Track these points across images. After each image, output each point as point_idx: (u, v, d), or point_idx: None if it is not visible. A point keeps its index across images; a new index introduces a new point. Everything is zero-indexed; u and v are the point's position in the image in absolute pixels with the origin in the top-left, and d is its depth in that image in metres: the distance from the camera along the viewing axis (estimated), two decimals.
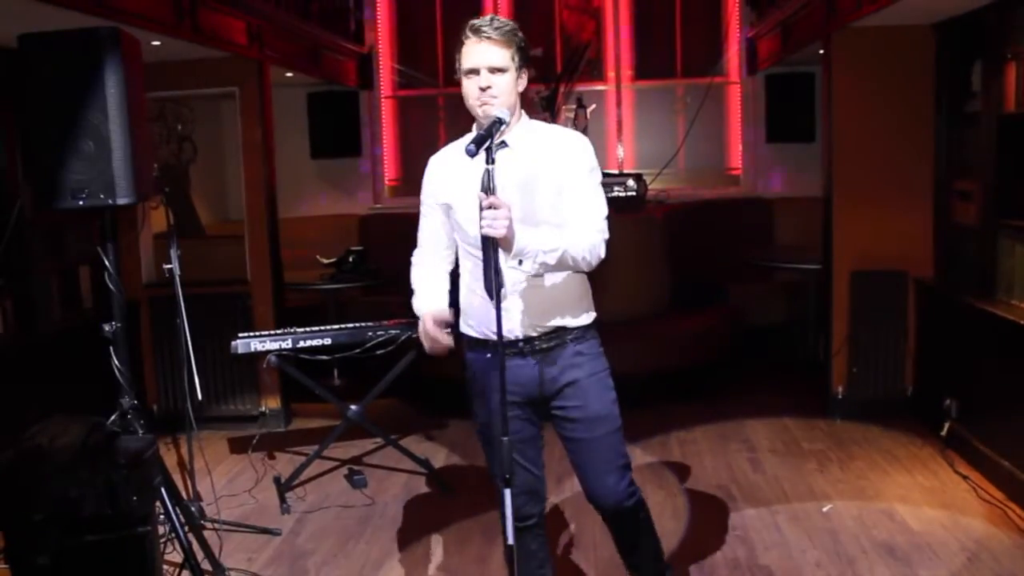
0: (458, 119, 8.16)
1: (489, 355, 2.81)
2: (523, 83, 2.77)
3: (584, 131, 5.91)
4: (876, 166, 5.55)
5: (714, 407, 6.08)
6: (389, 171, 8.37)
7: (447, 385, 6.19)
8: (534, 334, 2.82)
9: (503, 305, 2.62)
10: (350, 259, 6.99)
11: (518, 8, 8.12)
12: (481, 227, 2.50)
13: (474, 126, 2.82)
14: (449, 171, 2.88)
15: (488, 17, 2.73)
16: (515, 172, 2.74)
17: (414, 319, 5.10)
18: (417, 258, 3.10)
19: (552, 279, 2.80)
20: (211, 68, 5.73)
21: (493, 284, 2.53)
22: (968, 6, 4.78)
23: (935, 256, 5.50)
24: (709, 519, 4.35)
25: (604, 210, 2.80)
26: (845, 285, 5.67)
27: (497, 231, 2.49)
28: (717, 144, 8.23)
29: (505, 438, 2.53)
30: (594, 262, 2.75)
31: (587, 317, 2.91)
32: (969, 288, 4.92)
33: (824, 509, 4.39)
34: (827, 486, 4.68)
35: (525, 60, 2.75)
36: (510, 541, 2.57)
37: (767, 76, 7.83)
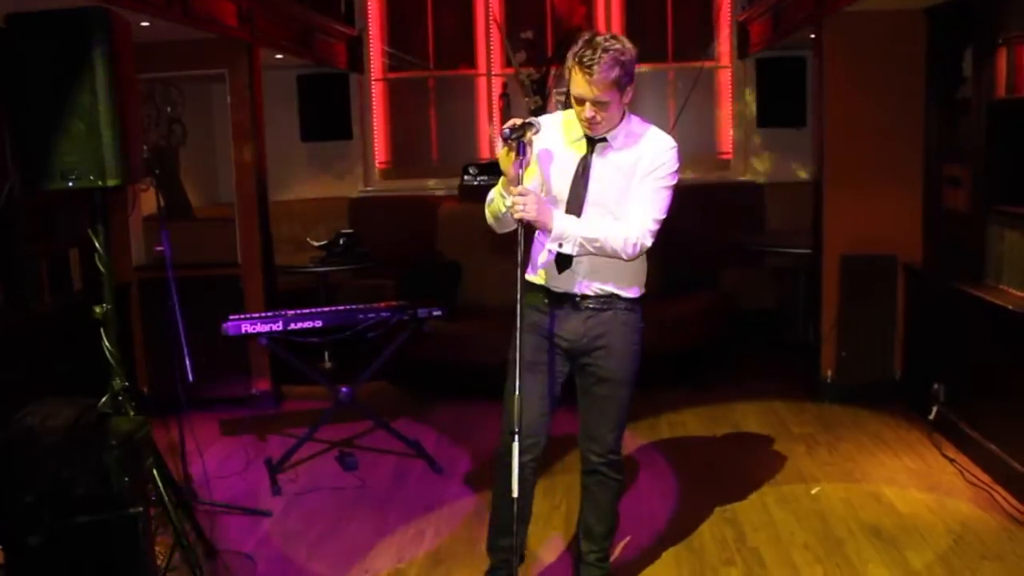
0: (448, 101, 8.24)
1: (546, 300, 3.21)
2: (629, 96, 3.03)
3: None
4: (867, 151, 5.57)
5: (704, 390, 6.11)
6: (379, 154, 8.34)
7: (437, 368, 6.24)
8: (590, 293, 3.17)
9: (568, 270, 3.13)
10: (340, 242, 6.98)
11: None
12: (513, 212, 2.88)
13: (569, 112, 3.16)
14: (550, 139, 3.15)
15: (597, 49, 2.89)
16: (609, 165, 3.10)
17: (404, 302, 5.13)
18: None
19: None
20: (201, 49, 5.70)
21: (521, 256, 2.89)
22: None
23: (924, 241, 5.52)
24: (698, 501, 4.38)
25: (658, 211, 3.09)
26: (835, 269, 5.69)
27: (528, 214, 2.88)
28: (708, 128, 8.23)
29: (516, 394, 2.76)
30: (632, 252, 3.06)
31: (636, 291, 3.24)
32: (958, 273, 4.94)
33: (812, 491, 4.42)
34: (815, 469, 4.71)
35: (629, 79, 2.98)
36: (515, 494, 2.75)
37: (758, 60, 7.82)
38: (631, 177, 3.08)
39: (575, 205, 3.12)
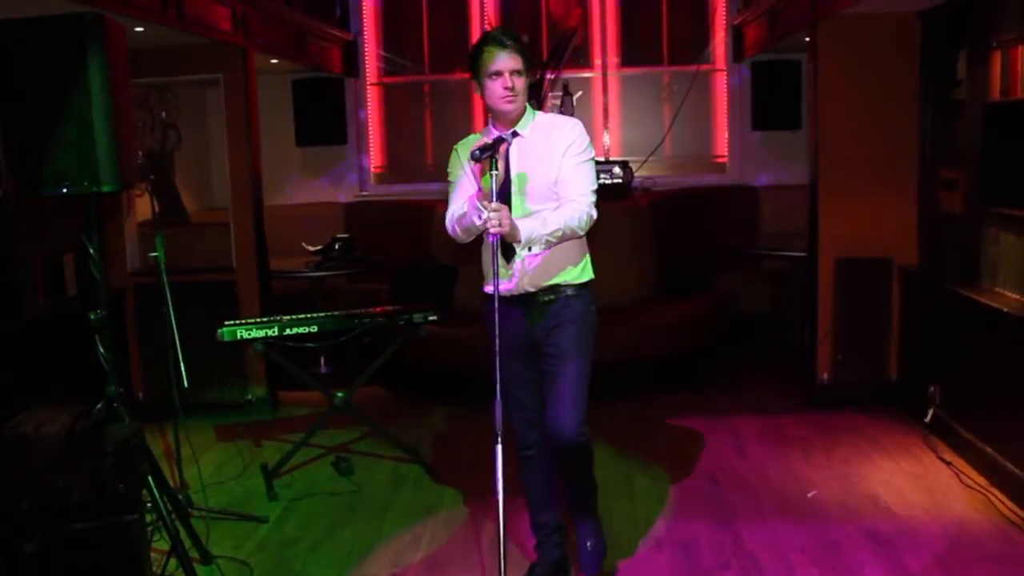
0: (443, 106, 8.23)
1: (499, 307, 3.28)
2: (528, 81, 3.35)
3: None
4: (862, 154, 5.57)
5: (699, 394, 6.12)
6: (375, 158, 8.34)
7: (433, 372, 6.23)
8: (533, 290, 3.37)
9: (514, 270, 3.34)
10: (336, 246, 6.98)
11: None
12: (488, 229, 3.07)
13: (490, 120, 3.41)
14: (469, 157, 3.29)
15: (500, 29, 3.36)
16: (527, 156, 3.32)
17: (400, 307, 5.12)
18: (450, 214, 3.43)
19: (552, 250, 3.32)
20: (195, 54, 5.70)
21: (496, 265, 3.16)
22: None
23: (920, 244, 5.52)
24: (694, 505, 4.37)
25: (592, 182, 3.34)
26: (830, 272, 5.70)
27: (504, 228, 3.06)
28: (703, 132, 8.24)
29: (497, 398, 2.97)
30: (588, 226, 3.29)
31: (582, 277, 3.43)
32: (954, 276, 4.95)
33: (809, 495, 4.42)
34: (811, 472, 4.71)
35: (530, 64, 3.34)
36: (500, 496, 2.91)
37: (753, 64, 7.82)
38: (550, 161, 3.29)
39: (504, 200, 3.28)
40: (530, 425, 3.52)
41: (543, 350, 3.41)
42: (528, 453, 3.57)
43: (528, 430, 3.52)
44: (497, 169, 3.08)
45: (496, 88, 3.25)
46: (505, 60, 3.22)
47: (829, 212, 5.66)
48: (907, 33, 5.41)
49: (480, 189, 3.15)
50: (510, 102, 3.26)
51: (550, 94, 7.35)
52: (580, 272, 3.42)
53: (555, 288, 3.37)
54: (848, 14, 5.28)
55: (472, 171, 3.20)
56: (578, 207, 3.24)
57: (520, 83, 3.26)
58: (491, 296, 3.34)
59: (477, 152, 3.08)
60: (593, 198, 3.30)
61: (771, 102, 7.76)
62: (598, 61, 8.13)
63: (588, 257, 3.47)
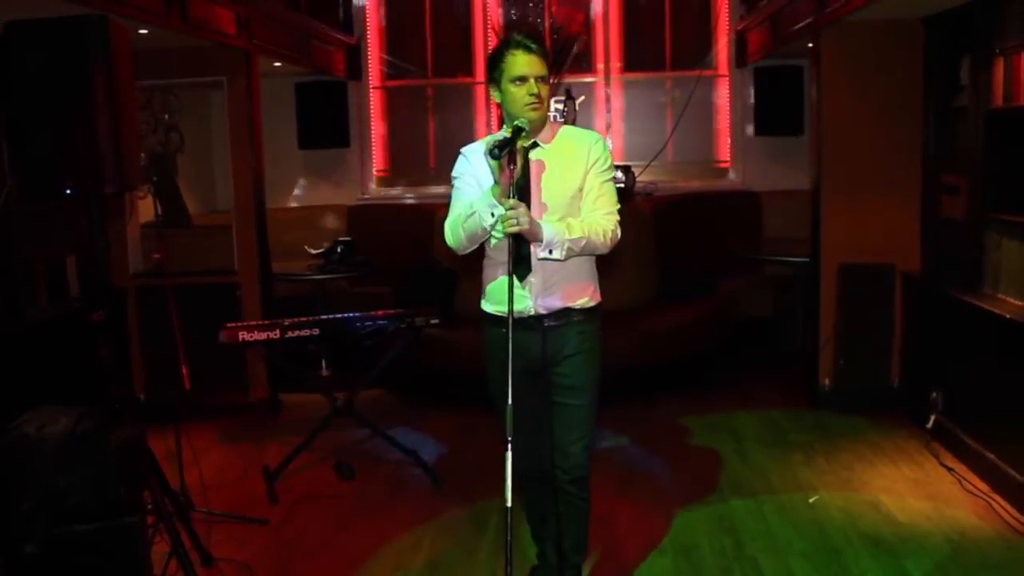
0: (446, 110, 8.24)
1: (504, 330, 3.05)
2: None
3: (572, 123, 5.97)
4: (864, 160, 5.58)
5: (702, 399, 6.11)
6: (377, 162, 8.34)
7: (434, 376, 6.23)
8: (544, 312, 3.22)
9: (526, 289, 3.17)
10: (338, 249, 6.98)
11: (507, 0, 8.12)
12: (505, 227, 2.90)
13: (504, 126, 3.22)
14: (483, 165, 3.18)
15: (525, 33, 3.17)
16: (548, 166, 3.19)
17: (402, 310, 5.12)
18: (452, 217, 3.23)
19: (562, 269, 3.18)
20: (199, 57, 5.71)
21: (511, 266, 2.97)
22: (957, 1, 4.79)
23: (922, 249, 5.52)
24: (696, 509, 4.37)
25: (616, 200, 3.25)
26: (833, 278, 5.70)
27: (523, 225, 2.91)
28: (705, 137, 8.24)
29: (509, 403, 2.82)
30: (611, 244, 3.18)
31: (591, 302, 3.29)
32: (956, 281, 4.95)
33: (810, 500, 4.41)
34: (813, 477, 4.70)
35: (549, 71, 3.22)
36: (508, 503, 2.77)
37: (756, 69, 7.83)
38: (572, 173, 3.18)
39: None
40: (531, 449, 3.33)
41: (552, 379, 3.28)
42: (529, 474, 3.45)
43: (529, 454, 3.32)
44: (515, 164, 2.94)
45: (521, 94, 3.10)
46: (531, 65, 3.09)
47: (831, 217, 5.66)
48: (910, 39, 5.41)
49: (496, 184, 2.99)
50: (535, 109, 3.10)
51: (553, 99, 7.36)
52: (590, 297, 3.29)
53: (565, 312, 3.23)
54: (851, 20, 5.29)
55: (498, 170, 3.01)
56: (605, 224, 3.14)
57: (545, 90, 3.13)
58: (490, 315, 3.28)
59: (496, 150, 2.91)
60: (617, 216, 3.20)
61: (773, 107, 7.77)
62: (601, 66, 8.14)
63: (596, 280, 3.34)
